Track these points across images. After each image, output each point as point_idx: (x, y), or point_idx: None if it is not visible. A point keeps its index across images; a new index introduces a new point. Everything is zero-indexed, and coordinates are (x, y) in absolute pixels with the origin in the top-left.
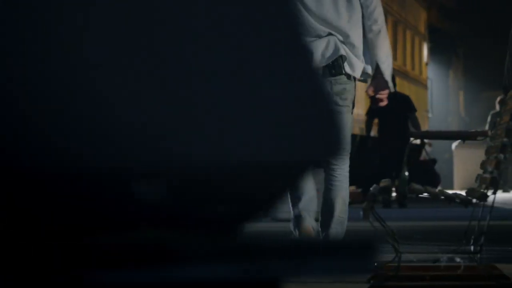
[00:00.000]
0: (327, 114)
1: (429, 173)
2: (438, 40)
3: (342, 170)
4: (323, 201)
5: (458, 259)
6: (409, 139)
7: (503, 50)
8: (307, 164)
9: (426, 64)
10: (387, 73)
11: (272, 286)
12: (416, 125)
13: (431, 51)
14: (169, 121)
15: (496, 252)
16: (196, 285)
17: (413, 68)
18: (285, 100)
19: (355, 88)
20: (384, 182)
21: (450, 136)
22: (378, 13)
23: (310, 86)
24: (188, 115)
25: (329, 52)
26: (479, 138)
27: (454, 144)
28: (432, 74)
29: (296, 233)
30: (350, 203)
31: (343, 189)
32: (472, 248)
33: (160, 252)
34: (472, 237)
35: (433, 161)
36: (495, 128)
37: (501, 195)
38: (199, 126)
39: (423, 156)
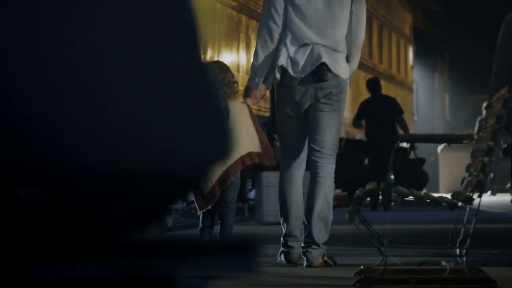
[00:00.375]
0: (213, 118)
1: (417, 173)
2: (424, 43)
3: (326, 168)
4: (306, 198)
5: (443, 262)
6: (395, 142)
7: (488, 54)
8: (195, 168)
9: (412, 67)
10: (352, 72)
11: (156, 284)
12: (404, 127)
13: (416, 54)
14: (56, 123)
15: (481, 255)
16: (77, 281)
17: (398, 71)
18: (169, 103)
19: (344, 90)
20: (370, 185)
21: (435, 139)
22: (362, 28)
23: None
24: (75, 118)
25: (312, 59)
26: (464, 141)
27: (440, 147)
28: (417, 77)
29: (282, 259)
30: (335, 206)
31: (325, 186)
32: (457, 251)
33: (42, 249)
34: (458, 240)
35: (422, 161)
36: (480, 131)
37: (486, 198)
38: (86, 129)
39: (411, 155)
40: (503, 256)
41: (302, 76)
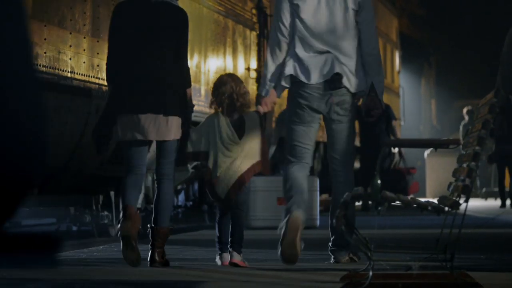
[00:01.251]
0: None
1: (404, 181)
2: (410, 48)
3: (347, 175)
4: (332, 205)
5: (430, 267)
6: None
7: (475, 59)
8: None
9: (398, 72)
10: (379, 91)
11: None
12: (394, 133)
13: (402, 59)
14: None
15: (468, 260)
16: None
17: (385, 77)
18: None
19: (353, 100)
20: (356, 190)
21: (422, 144)
22: (373, 37)
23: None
24: None
25: (326, 69)
26: (451, 146)
27: (426, 152)
28: (404, 82)
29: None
30: (322, 211)
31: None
32: (444, 255)
33: None
34: (445, 245)
35: (410, 170)
36: (467, 136)
37: (473, 203)
38: None
39: (400, 164)
40: (490, 260)
41: (316, 84)
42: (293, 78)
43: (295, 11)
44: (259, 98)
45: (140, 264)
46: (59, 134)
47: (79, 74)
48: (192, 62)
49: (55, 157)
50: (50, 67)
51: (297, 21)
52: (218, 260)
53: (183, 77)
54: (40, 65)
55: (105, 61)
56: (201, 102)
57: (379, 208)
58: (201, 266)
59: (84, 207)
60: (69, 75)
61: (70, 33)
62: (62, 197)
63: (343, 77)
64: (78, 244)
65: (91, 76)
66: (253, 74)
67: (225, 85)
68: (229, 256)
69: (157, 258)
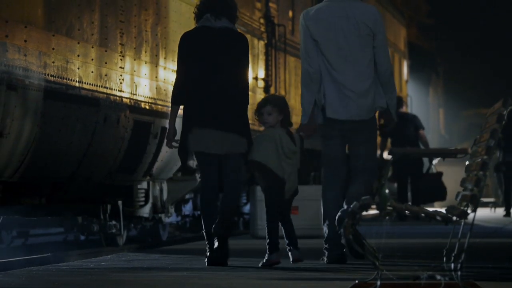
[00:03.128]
0: None
1: (438, 186)
2: (418, 58)
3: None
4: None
5: (438, 277)
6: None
7: (482, 69)
8: None
9: (406, 81)
10: (392, 106)
11: None
12: (424, 142)
13: (411, 68)
14: None
15: (476, 270)
16: None
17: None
18: None
19: (375, 123)
20: (364, 200)
21: (430, 153)
22: (386, 58)
23: None
24: None
25: (348, 110)
26: (459, 155)
27: (434, 162)
28: (412, 91)
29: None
30: None
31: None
32: (452, 265)
33: None
34: (453, 254)
35: (440, 174)
36: (475, 146)
37: (481, 213)
38: None
39: (431, 169)
40: (497, 270)
41: (340, 118)
42: (322, 107)
43: (317, 46)
44: (301, 126)
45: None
46: (67, 143)
47: (87, 83)
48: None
49: (63, 166)
50: (58, 77)
51: (321, 55)
52: (270, 257)
53: (245, 95)
54: (48, 75)
55: (113, 71)
56: None
57: (387, 217)
58: (209, 276)
59: (92, 216)
60: (77, 84)
61: (78, 43)
62: (70, 206)
63: (364, 117)
64: (86, 254)
65: (99, 86)
66: (261, 84)
67: (285, 102)
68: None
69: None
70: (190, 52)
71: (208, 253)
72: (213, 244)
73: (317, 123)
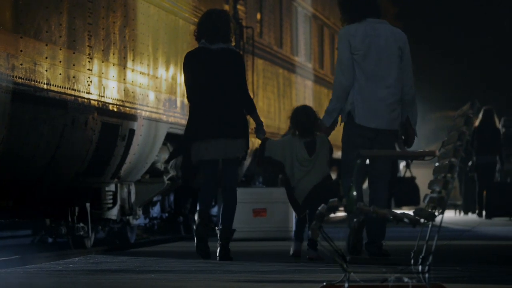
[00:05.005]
0: None
1: (414, 189)
2: None
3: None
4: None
5: (406, 279)
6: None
7: (449, 72)
8: None
9: None
10: (414, 122)
11: None
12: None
13: None
14: None
15: (444, 272)
16: None
17: None
18: None
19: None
20: (332, 202)
21: (397, 156)
22: (411, 77)
23: None
24: None
25: (376, 117)
26: (427, 158)
27: (402, 164)
28: None
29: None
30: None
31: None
32: (420, 267)
33: None
34: (420, 256)
35: (413, 178)
36: (442, 148)
37: (448, 215)
38: None
39: (407, 173)
40: (465, 272)
41: (365, 125)
42: (349, 113)
43: (355, 60)
44: (323, 127)
45: (210, 257)
46: (35, 145)
47: (55, 85)
48: (168, 74)
49: (31, 168)
50: (26, 79)
51: (357, 70)
52: (291, 248)
53: (246, 104)
54: (16, 77)
55: (81, 73)
56: (177, 114)
57: (355, 220)
58: (176, 278)
59: (60, 219)
60: (45, 86)
61: (46, 45)
62: (38, 209)
63: (390, 127)
64: (53, 256)
65: (67, 88)
66: None
67: (303, 114)
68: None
69: (223, 252)
70: (193, 71)
71: (196, 245)
72: (201, 240)
73: (335, 126)
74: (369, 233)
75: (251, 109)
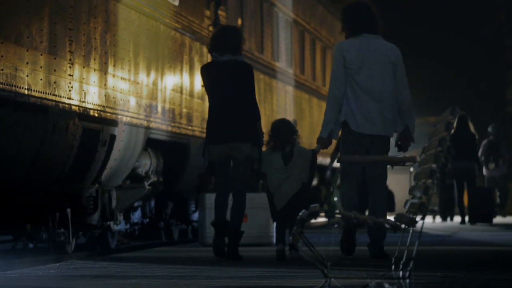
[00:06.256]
0: None
1: (391, 196)
2: None
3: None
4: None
5: (387, 285)
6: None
7: (431, 78)
8: None
9: None
10: (412, 129)
11: None
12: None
13: None
14: None
15: (424, 278)
16: None
17: None
18: None
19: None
20: (313, 207)
21: (379, 161)
22: (406, 88)
23: None
24: None
25: (369, 123)
26: (407, 163)
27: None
28: None
29: None
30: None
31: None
32: (401, 273)
33: None
34: (401, 262)
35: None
36: (423, 154)
37: (429, 221)
38: None
39: None
40: (446, 278)
41: (361, 132)
42: (344, 123)
43: (349, 74)
44: (319, 139)
45: (224, 254)
46: (15, 151)
47: (36, 91)
48: (149, 79)
49: (12, 173)
50: (7, 84)
51: (351, 80)
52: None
53: (252, 112)
54: None
55: (62, 78)
56: (158, 119)
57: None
58: (157, 283)
59: (41, 224)
60: (26, 92)
61: (27, 50)
62: (19, 214)
63: (384, 133)
64: (34, 261)
65: (48, 93)
66: None
67: (277, 130)
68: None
69: (231, 252)
70: (210, 81)
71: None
72: (220, 236)
73: (333, 137)
74: (370, 235)
75: (255, 118)
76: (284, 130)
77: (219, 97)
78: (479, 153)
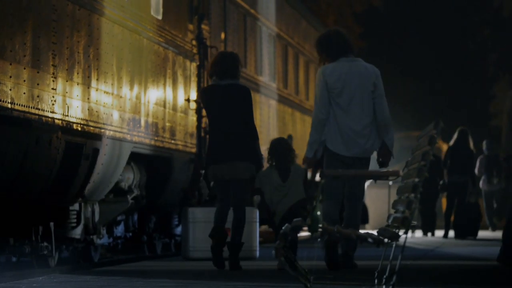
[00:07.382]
0: None
1: (365, 209)
2: None
3: (358, 208)
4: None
5: None
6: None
7: (416, 92)
8: None
9: None
10: (390, 145)
11: None
12: None
13: None
14: None
15: None
16: None
17: None
18: None
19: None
20: (296, 221)
21: (362, 175)
22: (384, 108)
23: None
24: None
25: (351, 147)
26: (390, 178)
27: (366, 184)
28: None
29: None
30: (262, 243)
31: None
32: (383, 287)
33: None
34: (384, 276)
35: None
36: (406, 168)
37: (409, 235)
38: None
39: None
40: None
41: (343, 154)
42: (325, 144)
43: (332, 98)
44: (305, 159)
45: (225, 267)
46: None
47: (19, 104)
48: (132, 93)
49: None
50: None
51: (333, 104)
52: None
53: (250, 133)
54: None
55: (46, 92)
56: (141, 133)
57: (319, 239)
58: None
59: (24, 238)
60: (9, 105)
61: (10, 64)
62: (1, 228)
63: (365, 155)
64: (17, 275)
65: (31, 107)
66: (193, 105)
67: (279, 146)
68: None
69: (233, 263)
70: (209, 104)
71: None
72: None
73: (318, 157)
74: (342, 246)
75: (253, 139)
76: (282, 148)
77: (220, 119)
78: (476, 169)
